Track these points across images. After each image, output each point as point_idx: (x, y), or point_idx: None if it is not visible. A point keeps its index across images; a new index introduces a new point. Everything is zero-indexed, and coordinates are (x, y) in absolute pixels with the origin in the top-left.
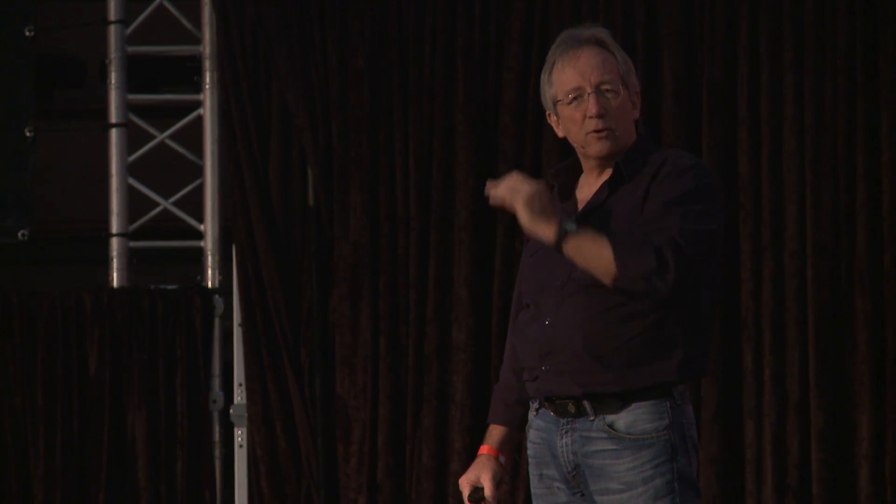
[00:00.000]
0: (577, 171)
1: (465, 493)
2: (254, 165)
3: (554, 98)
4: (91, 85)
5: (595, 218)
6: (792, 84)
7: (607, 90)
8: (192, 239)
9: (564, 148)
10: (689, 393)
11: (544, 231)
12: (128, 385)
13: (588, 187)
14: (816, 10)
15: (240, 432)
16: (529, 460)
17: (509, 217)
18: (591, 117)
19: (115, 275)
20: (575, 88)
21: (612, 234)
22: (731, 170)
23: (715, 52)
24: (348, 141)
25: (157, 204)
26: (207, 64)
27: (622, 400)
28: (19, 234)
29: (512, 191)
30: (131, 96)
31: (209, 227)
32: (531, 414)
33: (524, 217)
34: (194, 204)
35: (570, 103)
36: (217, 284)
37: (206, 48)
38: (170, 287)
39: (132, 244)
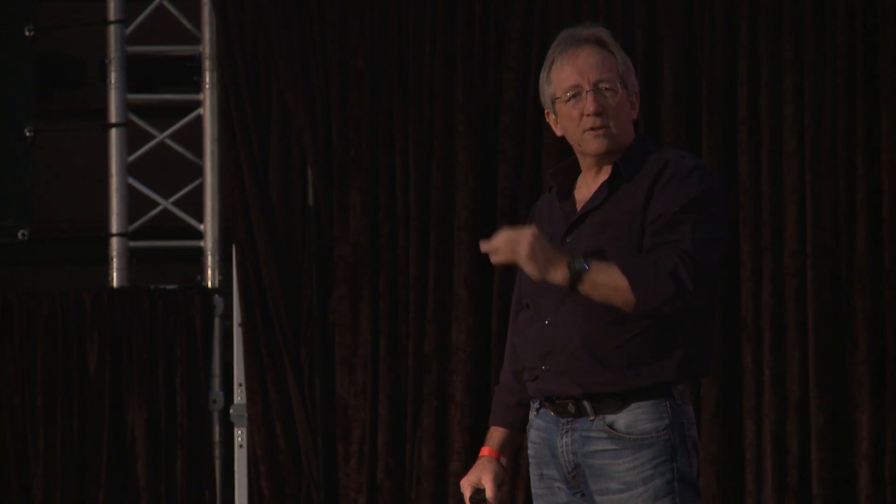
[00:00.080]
0: (575, 170)
1: (467, 494)
2: (254, 165)
3: (552, 96)
4: (91, 85)
5: (593, 219)
6: (792, 84)
7: (605, 88)
8: (192, 239)
9: (564, 148)
10: (689, 393)
11: (555, 276)
12: (128, 385)
13: (586, 187)
14: (816, 10)
15: (240, 432)
16: (530, 460)
17: (509, 217)
18: (588, 115)
19: (115, 275)
20: (573, 86)
21: (623, 261)
22: (731, 170)
23: (715, 51)
24: (348, 141)
25: (157, 204)
26: (207, 64)
27: (622, 400)
28: (19, 234)
29: (510, 247)
30: (131, 96)
31: (209, 226)
32: (531, 414)
33: (531, 270)
34: (194, 204)
35: (567, 101)
36: (217, 284)
37: (206, 48)
38: (170, 287)
39: (132, 244)
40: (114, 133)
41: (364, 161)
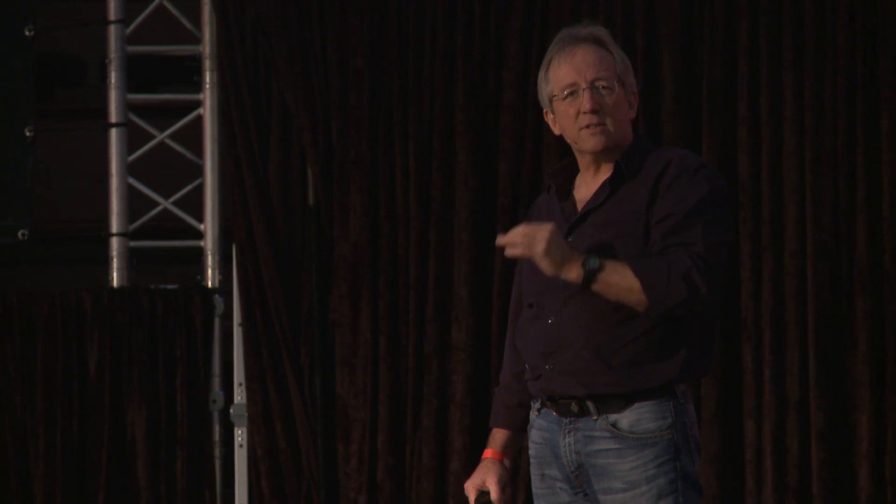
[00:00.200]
0: (573, 170)
1: (472, 497)
2: (254, 165)
3: (550, 94)
4: (91, 85)
5: (596, 218)
6: (792, 84)
7: (602, 87)
8: (192, 239)
9: (564, 147)
10: (691, 392)
11: (569, 273)
12: (128, 385)
13: (585, 186)
14: (816, 10)
15: (240, 432)
16: (531, 460)
17: (509, 217)
18: (584, 112)
19: (115, 275)
20: (570, 84)
21: (636, 262)
22: (731, 169)
23: (715, 51)
24: (348, 141)
25: (157, 204)
26: (207, 64)
27: (625, 399)
28: (19, 234)
29: (527, 241)
30: (131, 96)
31: (209, 226)
32: (533, 414)
33: (546, 266)
34: (194, 204)
35: (565, 99)
36: (217, 284)
37: (206, 48)
38: (170, 287)
39: (132, 244)
40: (114, 133)
41: (364, 161)
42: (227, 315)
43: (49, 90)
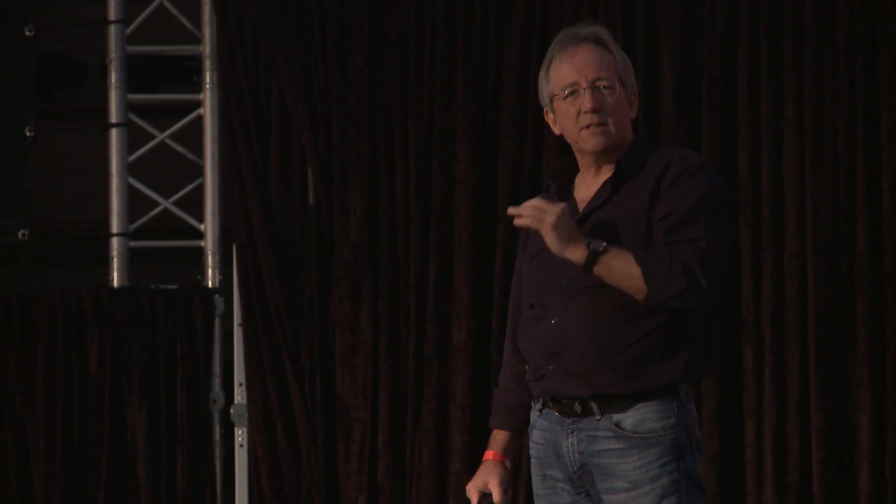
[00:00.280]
0: (573, 170)
1: (474, 499)
2: (254, 165)
3: (551, 94)
4: (91, 85)
5: (598, 217)
6: (792, 84)
7: (603, 86)
8: (193, 239)
9: (564, 147)
10: (692, 392)
11: (573, 253)
12: (128, 385)
13: (586, 186)
14: (816, 10)
15: (240, 432)
16: (532, 461)
17: (509, 217)
18: (585, 112)
19: (115, 275)
20: (571, 84)
21: (640, 251)
22: (731, 169)
23: (715, 51)
24: (348, 141)
25: (157, 204)
26: (207, 64)
27: (629, 399)
28: (19, 234)
29: (538, 215)
30: (131, 96)
31: (209, 226)
32: (534, 414)
33: (552, 240)
34: (194, 204)
35: (565, 98)
36: (217, 284)
37: (206, 48)
38: (170, 287)
39: (132, 244)
40: (114, 133)
41: (364, 161)
42: (228, 315)
43: (49, 90)
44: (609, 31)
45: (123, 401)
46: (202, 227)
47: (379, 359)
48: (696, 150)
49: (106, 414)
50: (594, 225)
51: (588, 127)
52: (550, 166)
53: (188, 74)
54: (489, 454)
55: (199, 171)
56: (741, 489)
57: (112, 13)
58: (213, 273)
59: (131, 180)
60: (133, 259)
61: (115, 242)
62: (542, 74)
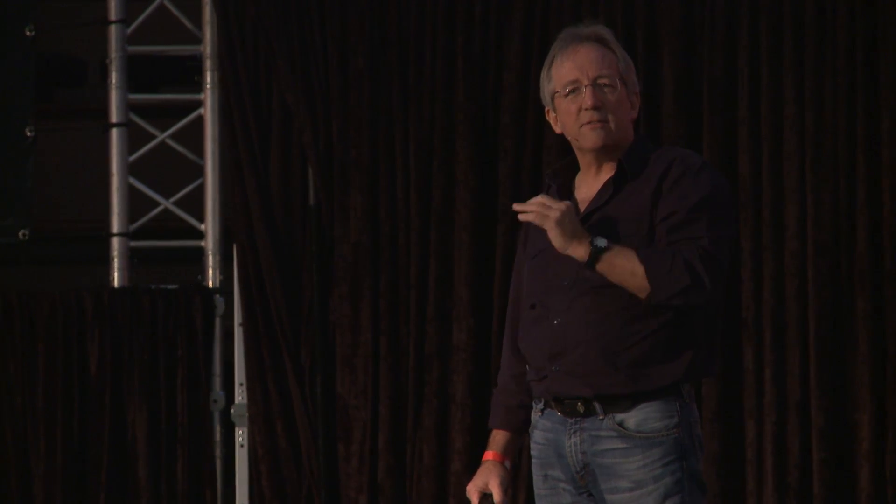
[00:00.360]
0: (573, 170)
1: (475, 500)
2: (254, 165)
3: (552, 92)
4: (91, 85)
5: (599, 217)
6: (792, 84)
7: (604, 84)
8: (193, 238)
9: (564, 148)
10: (693, 392)
11: (577, 250)
12: (128, 385)
13: (587, 186)
14: (816, 10)
15: (241, 432)
16: (533, 461)
17: (509, 217)
18: (586, 109)
19: (115, 274)
20: (572, 81)
21: (642, 249)
22: (731, 170)
23: (715, 51)
24: (348, 141)
25: (157, 204)
26: (208, 63)
27: (632, 400)
28: (19, 233)
29: (542, 211)
30: (132, 96)
31: (210, 226)
32: (535, 415)
33: (556, 237)
34: (195, 204)
35: (566, 95)
36: (218, 284)
37: (207, 48)
38: (170, 287)
39: (133, 244)
40: (114, 133)
41: (364, 161)
42: (228, 315)
43: (49, 90)
44: (611, 31)
45: (124, 401)
46: (202, 227)
47: (379, 359)
48: (696, 150)
49: (106, 414)
50: (596, 224)
51: (588, 123)
52: (551, 166)
53: (188, 74)
54: (489, 454)
55: (199, 171)
56: (741, 489)
57: (112, 13)
58: (214, 273)
59: (132, 180)
60: (133, 259)
61: (115, 242)
62: (543, 73)
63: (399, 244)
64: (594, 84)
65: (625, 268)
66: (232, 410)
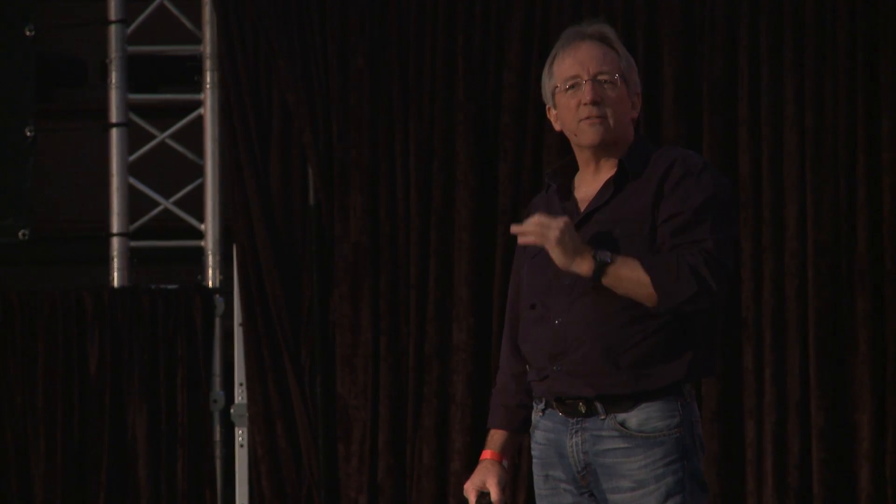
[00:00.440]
0: (573, 169)
1: (472, 498)
2: (254, 165)
3: (553, 88)
4: (91, 85)
5: (600, 217)
6: (792, 84)
7: (605, 81)
8: (193, 238)
9: (564, 147)
10: (694, 391)
11: (580, 266)
12: (128, 385)
13: (586, 185)
14: (816, 10)
15: (240, 432)
16: (534, 461)
17: (509, 217)
18: (585, 104)
19: (115, 274)
20: (572, 76)
21: (646, 258)
22: (731, 169)
23: (715, 51)
24: (348, 141)
25: (157, 203)
26: (208, 63)
27: (634, 399)
28: (19, 233)
29: (541, 230)
30: (132, 96)
31: (210, 226)
32: (536, 415)
33: (558, 256)
34: (195, 203)
35: (566, 91)
36: (218, 284)
37: (207, 48)
38: (170, 287)
39: (133, 244)
40: (114, 133)
41: (365, 161)
42: (228, 315)
43: (49, 90)
44: (614, 31)
45: (124, 401)
46: (202, 227)
47: (379, 359)
48: (696, 150)
49: (106, 414)
50: (597, 224)
51: (587, 118)
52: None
53: (188, 74)
54: (486, 454)
55: (199, 171)
56: (741, 489)
57: (112, 13)
58: (214, 273)
59: (131, 180)
60: (133, 259)
61: (115, 242)
62: (545, 70)
63: (399, 244)
64: (594, 79)
65: (631, 279)
66: (232, 410)
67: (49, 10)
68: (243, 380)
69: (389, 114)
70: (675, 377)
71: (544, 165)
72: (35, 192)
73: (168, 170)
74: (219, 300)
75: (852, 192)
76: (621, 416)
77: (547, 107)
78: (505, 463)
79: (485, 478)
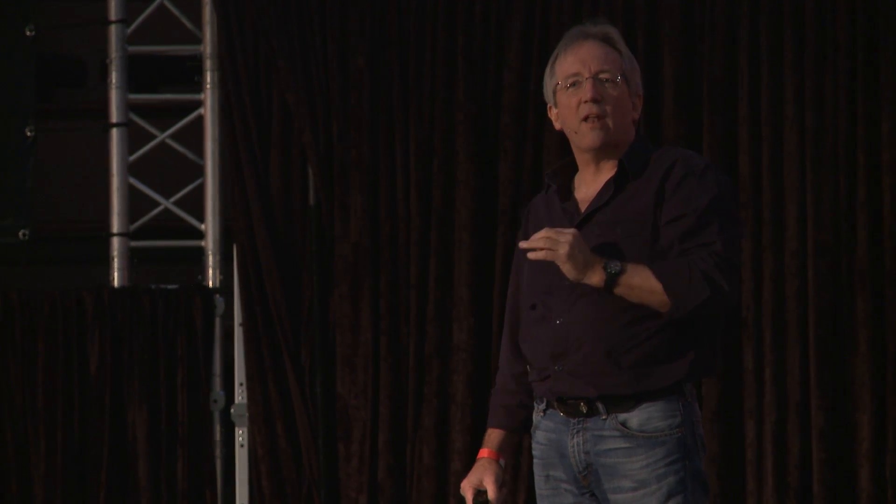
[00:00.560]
0: (572, 170)
1: (469, 497)
2: (254, 165)
3: (554, 86)
4: (91, 85)
5: (601, 218)
6: (792, 84)
7: (606, 79)
8: (193, 238)
9: (564, 147)
10: (695, 391)
11: (591, 278)
12: (129, 385)
13: (586, 186)
14: (816, 10)
15: (241, 432)
16: (535, 461)
17: (509, 217)
18: (585, 102)
19: (115, 274)
20: (573, 74)
21: (656, 264)
22: (731, 170)
23: (715, 51)
24: (348, 141)
25: (157, 203)
26: (208, 63)
27: (635, 399)
28: (19, 233)
29: (550, 245)
30: (132, 96)
31: (210, 226)
32: (537, 415)
33: (568, 270)
34: (195, 203)
35: (567, 88)
36: (218, 284)
37: (207, 48)
38: (170, 287)
39: (133, 244)
40: (114, 133)
41: (365, 161)
42: (228, 315)
43: (49, 90)
44: (618, 31)
45: (124, 401)
46: (202, 227)
47: (379, 359)
48: (696, 150)
49: (106, 414)
50: (597, 225)
51: (587, 119)
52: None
53: (188, 74)
54: (483, 452)
55: (199, 171)
56: (741, 489)
57: (112, 13)
58: (214, 273)
59: (132, 180)
60: (133, 259)
61: (115, 242)
62: (547, 69)
63: (399, 244)
64: (595, 77)
65: (643, 287)
66: (232, 410)
67: (49, 10)
68: (243, 380)
69: (389, 114)
70: (676, 377)
71: (544, 165)
72: (35, 192)
73: (168, 170)
74: (219, 300)
75: (852, 192)
76: (623, 416)
77: (548, 106)
78: (502, 462)
79: (482, 476)
